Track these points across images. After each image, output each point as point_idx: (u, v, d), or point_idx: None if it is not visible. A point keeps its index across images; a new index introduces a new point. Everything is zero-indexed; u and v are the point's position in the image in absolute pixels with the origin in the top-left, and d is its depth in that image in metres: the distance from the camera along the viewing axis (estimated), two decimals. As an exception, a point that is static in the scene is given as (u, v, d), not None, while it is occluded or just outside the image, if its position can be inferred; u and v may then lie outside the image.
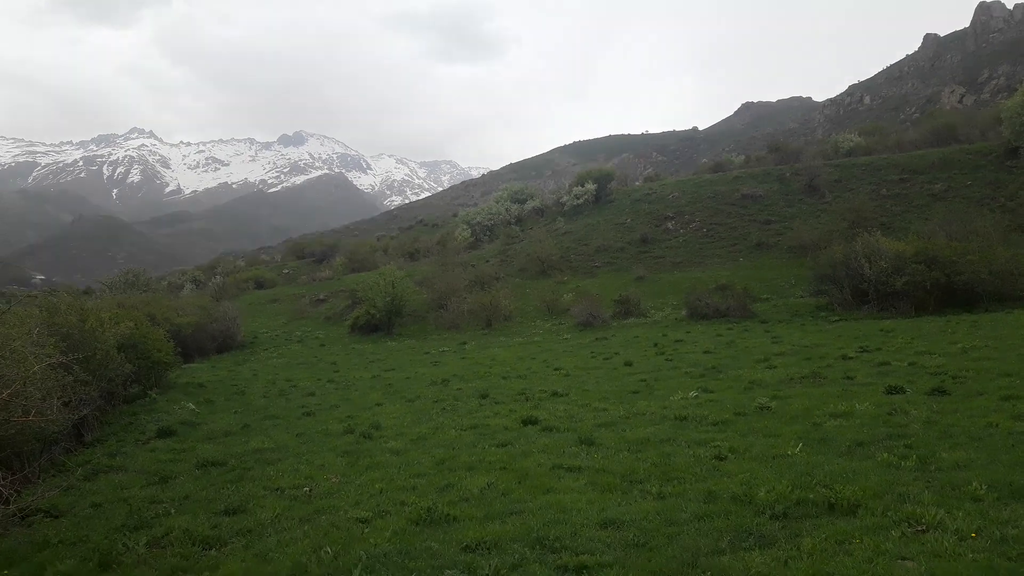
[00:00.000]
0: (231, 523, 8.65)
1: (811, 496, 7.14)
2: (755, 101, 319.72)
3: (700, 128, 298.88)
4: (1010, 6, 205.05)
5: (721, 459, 9.63)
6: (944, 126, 62.14)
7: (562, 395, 17.75)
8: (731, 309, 36.64)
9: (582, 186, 65.52)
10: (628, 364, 23.34)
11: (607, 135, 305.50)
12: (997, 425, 9.91)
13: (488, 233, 67.92)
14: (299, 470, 11.30)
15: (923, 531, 5.97)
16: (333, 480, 10.44)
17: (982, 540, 5.58)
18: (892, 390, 14.13)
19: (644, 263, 51.22)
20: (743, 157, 74.37)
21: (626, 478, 9.08)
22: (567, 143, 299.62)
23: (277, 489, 10.08)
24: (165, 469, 12.39)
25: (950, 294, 31.62)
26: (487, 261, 58.20)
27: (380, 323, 44.17)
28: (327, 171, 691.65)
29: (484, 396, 18.58)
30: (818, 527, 6.42)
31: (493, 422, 14.33)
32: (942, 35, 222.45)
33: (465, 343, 37.44)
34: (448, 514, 7.90)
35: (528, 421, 13.83)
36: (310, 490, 9.88)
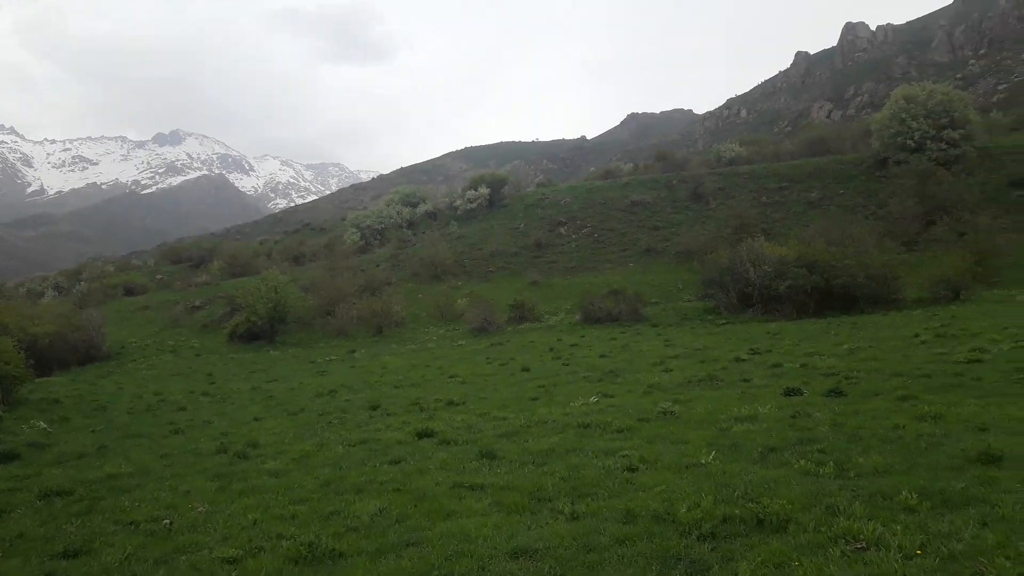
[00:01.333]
0: (70, 568, 7.23)
1: (737, 512, 6.56)
2: (640, 112, 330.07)
3: (588, 137, 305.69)
4: (873, 28, 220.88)
5: (632, 470, 9.00)
6: (817, 138, 65.61)
7: (459, 404, 16.83)
8: (623, 313, 36.86)
9: (476, 190, 64.90)
10: (525, 370, 22.72)
11: (498, 142, 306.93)
12: (903, 427, 9.77)
13: (379, 237, 66.13)
14: (160, 498, 9.84)
15: (863, 549, 5.46)
16: (199, 510, 9.09)
17: (929, 558, 5.11)
18: (790, 392, 14.06)
19: (538, 268, 51.10)
20: (632, 165, 75.98)
21: (534, 496, 8.28)
22: (459, 148, 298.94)
23: (131, 523, 8.65)
24: (1, 501, 10.59)
25: (829, 297, 32.93)
26: (378, 265, 56.53)
27: (262, 331, 41.81)
28: (206, 172, 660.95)
29: (375, 408, 17.41)
30: (751, 548, 5.82)
31: (385, 436, 13.24)
32: (812, 53, 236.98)
33: (354, 351, 35.88)
34: (333, 549, 6.83)
35: (423, 434, 12.84)
36: (170, 523, 8.52)
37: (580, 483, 8.61)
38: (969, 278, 31.22)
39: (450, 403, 17.02)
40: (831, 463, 8.16)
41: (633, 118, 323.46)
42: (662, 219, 55.34)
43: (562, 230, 57.43)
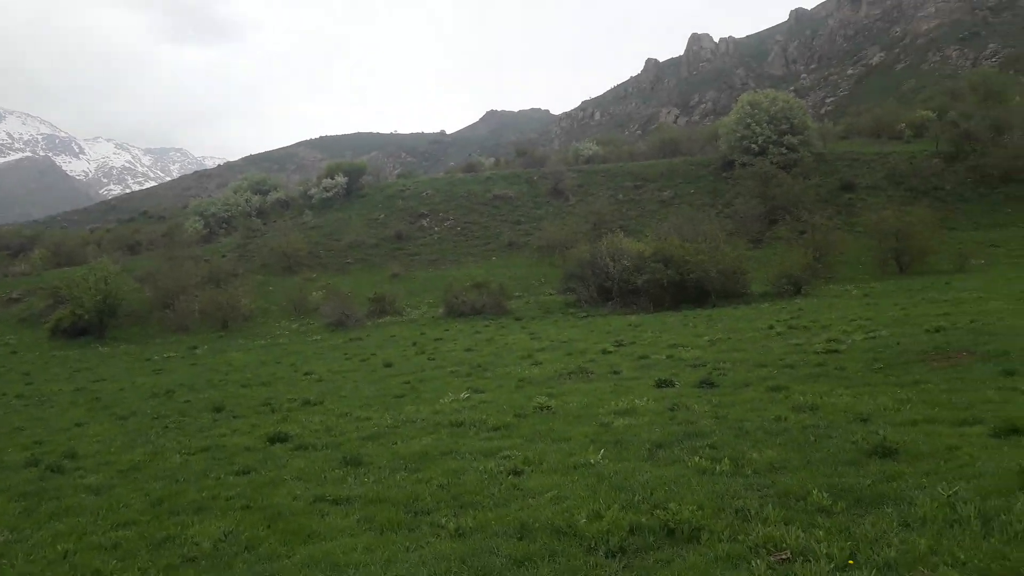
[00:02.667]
0: None
1: (644, 520, 5.89)
2: (499, 110, 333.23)
3: (448, 132, 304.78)
4: (716, 40, 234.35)
5: (517, 473, 8.19)
6: (669, 140, 68.26)
7: (316, 403, 15.44)
8: (487, 306, 36.31)
9: (332, 178, 62.24)
10: (388, 365, 21.53)
11: (355, 132, 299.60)
12: (785, 418, 9.59)
13: (225, 225, 61.94)
14: (-61, 530, 7.97)
15: (789, 559, 4.91)
16: (-8, 542, 7.38)
17: (864, 569, 4.62)
18: (662, 383, 13.85)
19: (399, 260, 49.66)
20: (493, 160, 75.84)
21: (410, 508, 7.27)
22: (313, 137, 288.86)
23: None
24: None
25: (683, 290, 33.88)
26: (224, 256, 52.84)
27: (89, 325, 37.77)
28: (29, 154, 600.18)
29: (219, 409, 15.67)
30: (666, 563, 5.14)
31: (231, 442, 11.73)
32: (661, 61, 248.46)
33: (196, 347, 33.06)
34: (165, 589, 5.52)
35: (276, 438, 11.45)
36: (-52, 563, 6.79)
37: (461, 491, 7.70)
38: (809, 273, 33.11)
39: (306, 403, 15.59)
40: (726, 459, 7.72)
41: (492, 115, 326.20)
42: (524, 214, 55.41)
43: (424, 222, 56.21)
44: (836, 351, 15.30)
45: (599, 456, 8.49)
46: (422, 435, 11.13)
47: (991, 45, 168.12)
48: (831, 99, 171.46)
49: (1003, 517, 5.07)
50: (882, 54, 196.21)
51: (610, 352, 19.92)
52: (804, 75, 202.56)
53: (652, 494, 6.72)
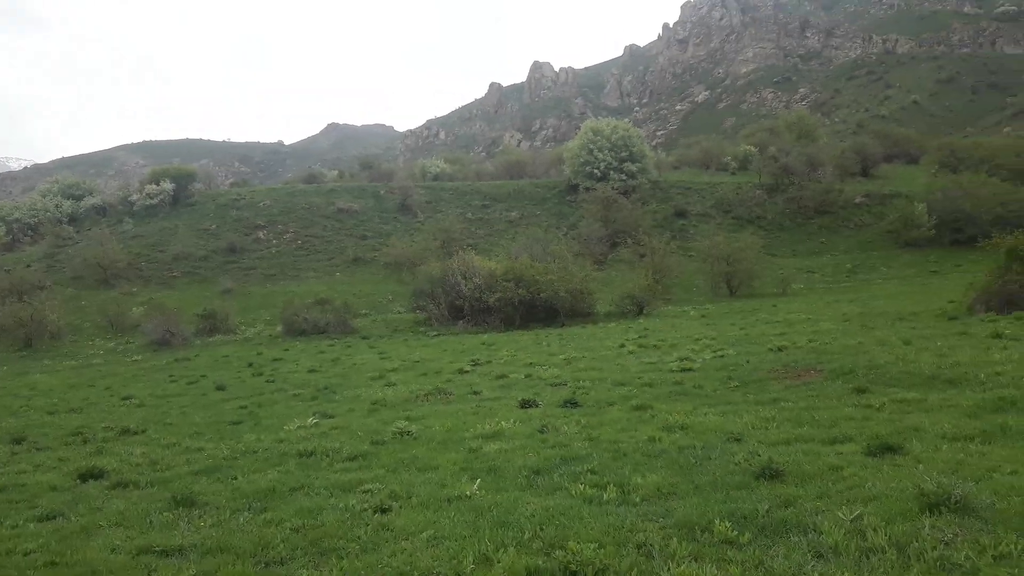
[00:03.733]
0: None
1: (541, 563, 5.21)
2: (342, 123, 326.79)
3: (287, 143, 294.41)
4: (556, 68, 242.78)
5: (384, 510, 7.27)
6: (516, 162, 69.30)
7: (137, 432, 13.56)
8: (331, 325, 34.59)
9: (157, 184, 57.47)
10: (221, 388, 19.60)
11: (183, 138, 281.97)
12: (658, 439, 9.32)
13: (31, 233, 55.46)
14: None
15: (711, 603, 4.39)
16: None
17: (797, 611, 4.16)
18: (526, 404, 13.37)
19: (232, 274, 46.47)
20: (336, 172, 73.48)
21: (259, 559, 6.17)
22: (135, 141, 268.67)
23: None
24: None
25: (534, 309, 34.00)
26: (28, 266, 47.15)
27: None
28: None
29: (19, 440, 13.39)
30: (577, 617, 4.46)
31: (33, 480, 9.88)
32: (505, 85, 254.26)
33: (-9, 368, 28.90)
34: None
35: (89, 474, 9.76)
36: None
37: (320, 534, 6.67)
38: (650, 295, 34.27)
39: (125, 431, 13.66)
40: (611, 485, 7.24)
41: (334, 128, 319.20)
42: (370, 228, 53.83)
43: (261, 234, 53.12)
44: (690, 369, 15.52)
45: (475, 487, 7.75)
46: (266, 467, 9.90)
47: (801, 89, 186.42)
48: (662, 132, 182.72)
49: (916, 544, 4.86)
50: (707, 92, 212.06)
51: (467, 372, 19.27)
52: (637, 108, 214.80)
53: (542, 530, 6.07)
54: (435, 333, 33.03)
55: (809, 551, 5.06)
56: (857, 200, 55.96)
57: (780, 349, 16.76)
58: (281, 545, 6.47)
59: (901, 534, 5.06)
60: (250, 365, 25.24)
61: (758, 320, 25.94)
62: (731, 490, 6.75)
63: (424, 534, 6.37)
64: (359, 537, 6.51)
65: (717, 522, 5.66)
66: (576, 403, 13.03)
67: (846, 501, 5.98)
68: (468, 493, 7.57)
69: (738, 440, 8.86)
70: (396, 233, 52.39)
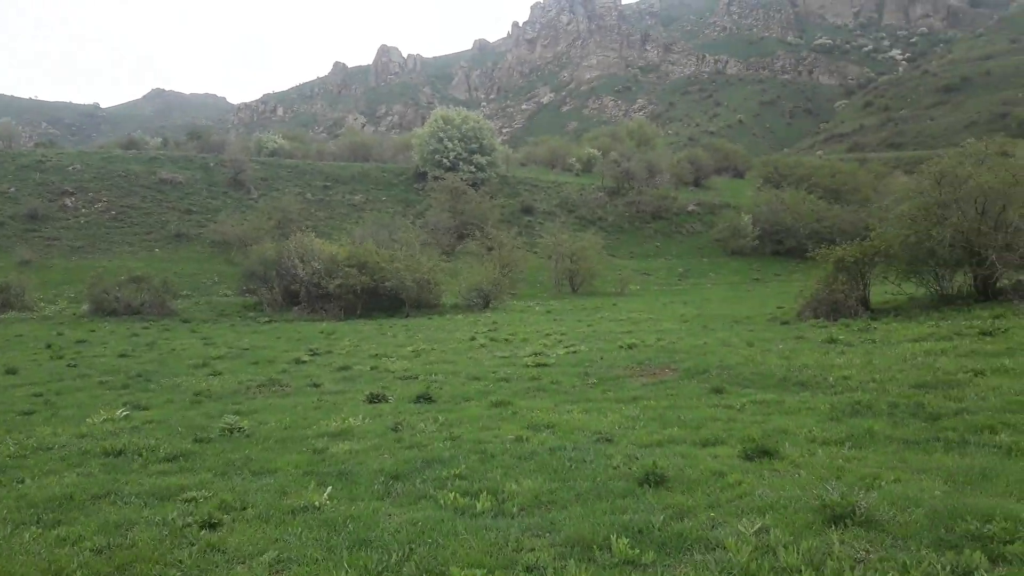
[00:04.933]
0: None
1: (419, 596, 4.31)
2: (168, 89, 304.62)
3: (103, 106, 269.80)
4: (405, 55, 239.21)
5: (213, 526, 6.05)
6: (361, 144, 66.94)
7: None
8: (147, 305, 31.46)
9: (-59, 137, 49.91)
10: (11, 372, 16.95)
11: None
12: (526, 439, 8.68)
13: None
14: None
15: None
16: None
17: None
18: (375, 398, 12.35)
19: (32, 244, 41.28)
20: (161, 140, 67.44)
21: (46, 594, 4.80)
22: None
23: None
24: None
25: (377, 298, 32.67)
26: None
27: None
28: None
29: None
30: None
31: None
32: (350, 66, 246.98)
33: None
34: None
35: None
36: None
37: (130, 558, 5.37)
38: (498, 288, 33.99)
39: None
40: (484, 493, 6.46)
41: (159, 94, 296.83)
42: (197, 203, 49.70)
43: (68, 201, 47.54)
44: (545, 365, 15.11)
45: (324, 495, 6.68)
46: (64, 469, 8.27)
47: (640, 100, 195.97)
48: (507, 129, 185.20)
49: (832, 564, 4.46)
50: (552, 95, 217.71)
51: (305, 362, 17.82)
52: (484, 103, 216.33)
53: (413, 550, 5.17)
54: (267, 319, 30.88)
55: (719, 572, 4.53)
56: (690, 208, 59.05)
57: (631, 347, 16.77)
58: (78, 572, 5.13)
59: (813, 551, 4.65)
60: (48, 346, 22.22)
61: (603, 317, 26.26)
62: (616, 498, 6.17)
63: (265, 556, 5.28)
64: (181, 561, 5.29)
65: (614, 539, 5.02)
66: (430, 398, 12.17)
67: (741, 511, 5.56)
68: (317, 503, 6.50)
69: (609, 440, 8.39)
70: (226, 209, 48.75)
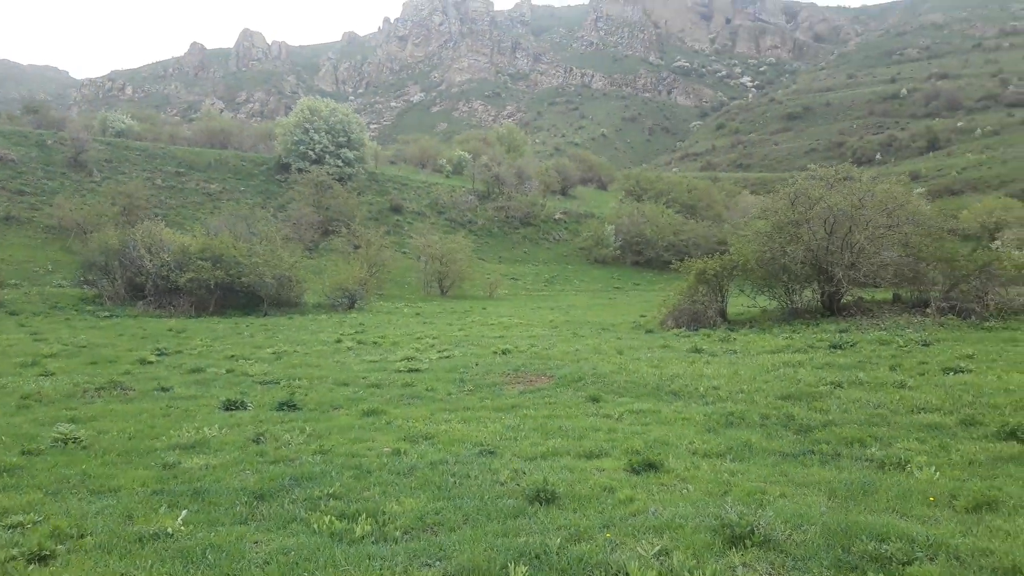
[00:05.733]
0: None
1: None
2: (1, 58, 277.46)
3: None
4: (269, 41, 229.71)
5: (43, 559, 5.19)
6: (220, 129, 63.19)
7: None
8: (-34, 294, 27.96)
9: None
10: None
11: None
12: (404, 452, 8.21)
13: None
14: None
15: None
16: None
17: None
18: (232, 405, 11.44)
19: None
20: (-12, 111, 60.71)
21: None
22: None
23: None
24: None
25: (232, 295, 30.79)
26: None
27: None
28: None
29: None
30: None
31: None
32: (209, 48, 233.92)
33: None
34: None
35: None
36: None
37: (-70, 607, 4.44)
38: (364, 288, 32.95)
39: None
40: (362, 516, 5.93)
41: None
42: (30, 183, 44.98)
43: None
44: (418, 370, 14.61)
45: (178, 520, 5.90)
46: None
47: (509, 107, 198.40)
48: (375, 125, 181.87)
49: (738, 588, 4.32)
50: (422, 94, 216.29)
51: (152, 362, 16.34)
52: (352, 97, 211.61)
53: (288, 587, 4.59)
54: (107, 314, 28.35)
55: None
56: (557, 216, 60.14)
57: (505, 352, 16.58)
58: None
59: (717, 575, 4.50)
60: None
61: (473, 321, 26.00)
62: (508, 519, 5.84)
63: (107, 599, 4.52)
64: (-2, 608, 4.43)
65: (512, 567, 4.68)
66: (295, 405, 11.38)
67: (638, 531, 5.38)
68: (170, 529, 5.73)
69: (492, 453, 8.06)
70: (64, 192, 44.49)
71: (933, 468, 6.79)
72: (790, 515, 5.47)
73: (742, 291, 23.39)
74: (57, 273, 35.12)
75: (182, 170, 52.15)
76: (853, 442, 7.88)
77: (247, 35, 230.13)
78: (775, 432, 8.64)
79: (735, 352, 15.73)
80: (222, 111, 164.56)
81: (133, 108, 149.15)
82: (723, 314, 22.65)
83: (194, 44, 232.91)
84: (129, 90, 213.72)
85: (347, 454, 8.19)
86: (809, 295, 22.85)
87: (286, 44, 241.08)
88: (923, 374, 11.95)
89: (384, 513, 6.07)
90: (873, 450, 7.55)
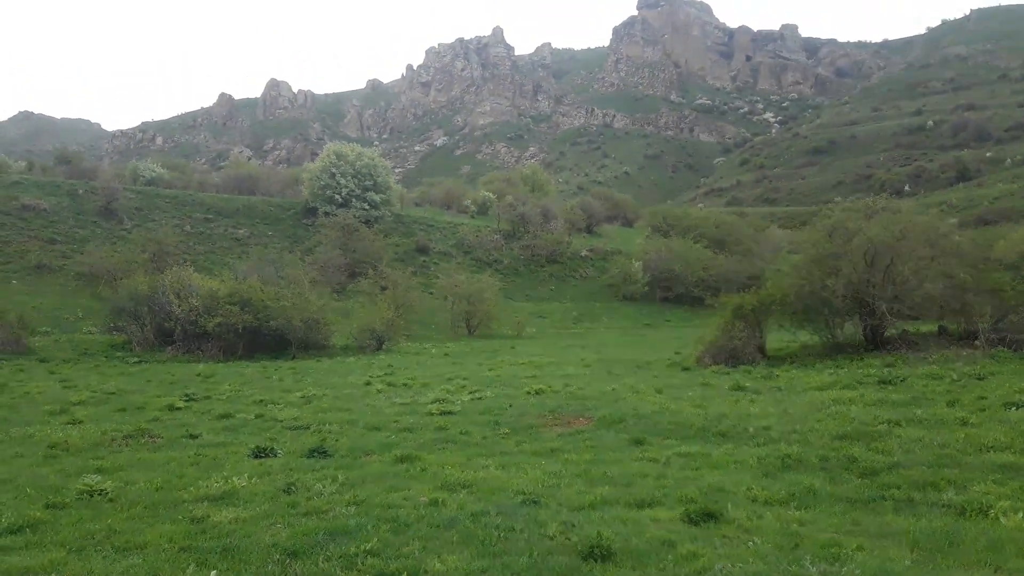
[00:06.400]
0: None
1: None
2: (37, 113, 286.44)
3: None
4: (295, 90, 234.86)
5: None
6: (247, 176, 64.12)
7: None
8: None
9: None
10: None
11: None
12: (443, 502, 7.75)
13: None
14: None
15: None
16: None
17: None
18: (261, 452, 11.05)
19: None
20: (25, 163, 62.20)
21: None
22: None
23: None
24: None
25: (260, 338, 30.65)
26: None
27: None
28: None
29: None
30: None
31: None
32: (236, 98, 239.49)
33: None
34: None
35: None
36: None
37: None
38: (392, 329, 32.70)
39: None
40: (403, 575, 5.48)
41: (26, 117, 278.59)
42: (62, 232, 45.72)
43: (-91, 225, 42.67)
44: (451, 412, 14.16)
45: (209, 580, 5.51)
46: None
47: (531, 148, 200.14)
48: (400, 170, 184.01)
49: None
50: (445, 138, 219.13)
51: (180, 408, 16.06)
52: (377, 142, 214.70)
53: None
54: (137, 359, 28.33)
55: None
56: (583, 253, 59.82)
57: (539, 392, 16.10)
58: None
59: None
60: None
61: (504, 361, 25.53)
62: (558, 578, 5.35)
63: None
64: None
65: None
66: (326, 452, 10.98)
67: (705, 593, 4.86)
68: (195, 590, 5.32)
69: (536, 503, 7.57)
70: (95, 240, 45.13)
71: (1020, 515, 6.20)
72: (874, 571, 4.94)
73: (782, 326, 22.76)
74: (87, 320, 35.35)
75: (211, 216, 52.80)
76: (925, 486, 7.30)
77: (273, 84, 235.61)
78: (838, 476, 8.06)
79: (780, 389, 15.13)
80: (250, 159, 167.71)
81: (163, 158, 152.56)
82: (762, 350, 22.00)
83: (222, 94, 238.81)
84: (159, 140, 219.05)
85: (382, 505, 7.75)
86: (851, 329, 22.15)
87: (311, 92, 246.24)
88: (983, 410, 11.31)
89: (426, 572, 5.63)
90: (949, 495, 6.96)
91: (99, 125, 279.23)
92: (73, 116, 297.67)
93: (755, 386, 15.53)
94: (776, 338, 23.63)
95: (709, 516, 6.65)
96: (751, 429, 10.80)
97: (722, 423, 11.38)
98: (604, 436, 11.32)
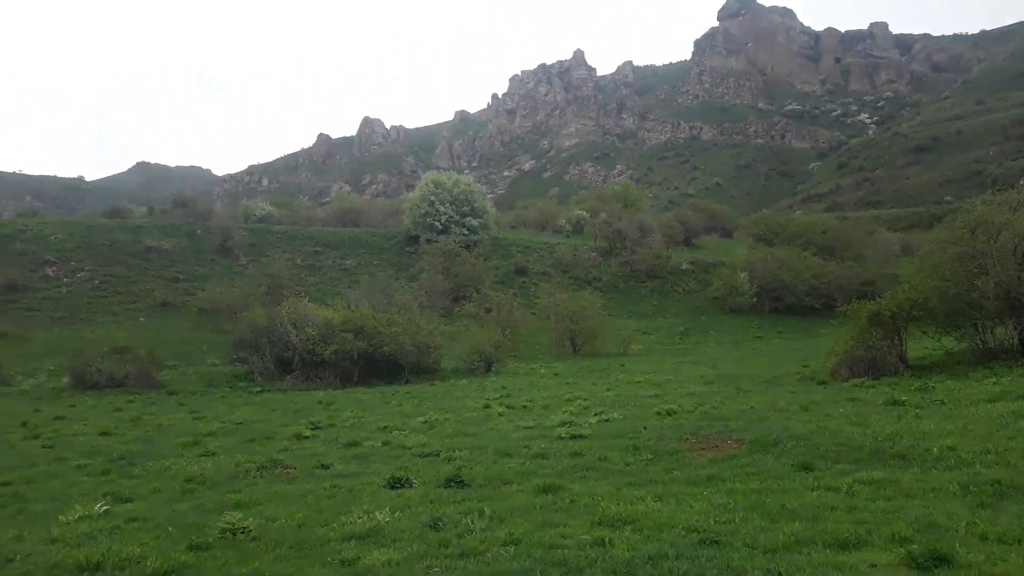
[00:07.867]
0: None
1: None
2: (152, 162, 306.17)
3: (88, 179, 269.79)
4: (388, 126, 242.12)
5: None
6: (350, 209, 65.94)
7: None
8: (131, 377, 29.54)
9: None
10: (-25, 458, 14.95)
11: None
12: (609, 541, 7.02)
13: None
14: None
15: None
16: None
17: None
18: (396, 483, 10.65)
19: (11, 316, 39.35)
20: (146, 208, 66.06)
21: None
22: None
23: None
24: None
25: (374, 364, 30.92)
26: None
27: None
28: None
29: None
30: None
31: None
32: (334, 137, 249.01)
33: None
34: None
35: None
36: None
37: None
38: (500, 351, 32.36)
39: None
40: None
41: (143, 167, 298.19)
42: (183, 270, 48.02)
43: (49, 271, 45.70)
44: (581, 436, 13.43)
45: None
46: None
47: (618, 165, 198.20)
48: (490, 195, 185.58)
49: None
50: (532, 162, 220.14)
51: (307, 437, 16.01)
52: (467, 171, 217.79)
53: None
54: (259, 389, 29.06)
55: None
56: (684, 267, 58.14)
57: (671, 413, 15.16)
58: None
59: None
60: (24, 424, 20.24)
61: (618, 380, 24.62)
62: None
63: None
64: None
65: None
66: (462, 481, 10.47)
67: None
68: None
69: (716, 543, 6.73)
70: (214, 277, 47.11)
71: None
72: None
73: (924, 333, 20.95)
74: (211, 353, 36.65)
75: (319, 249, 54.37)
76: None
77: (367, 123, 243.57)
78: (1074, 505, 6.87)
79: (943, 403, 13.67)
80: (349, 193, 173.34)
81: (270, 197, 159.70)
82: (903, 359, 20.30)
83: (320, 135, 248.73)
84: (265, 182, 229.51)
85: (541, 544, 7.10)
86: (1002, 333, 20.13)
87: (403, 127, 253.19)
88: None
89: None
90: None
91: (210, 171, 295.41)
92: (186, 164, 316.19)
93: (913, 400, 14.10)
94: (914, 346, 21.78)
95: (939, 559, 5.65)
96: (935, 450, 9.59)
97: (896, 444, 10.19)
98: (763, 461, 10.32)
